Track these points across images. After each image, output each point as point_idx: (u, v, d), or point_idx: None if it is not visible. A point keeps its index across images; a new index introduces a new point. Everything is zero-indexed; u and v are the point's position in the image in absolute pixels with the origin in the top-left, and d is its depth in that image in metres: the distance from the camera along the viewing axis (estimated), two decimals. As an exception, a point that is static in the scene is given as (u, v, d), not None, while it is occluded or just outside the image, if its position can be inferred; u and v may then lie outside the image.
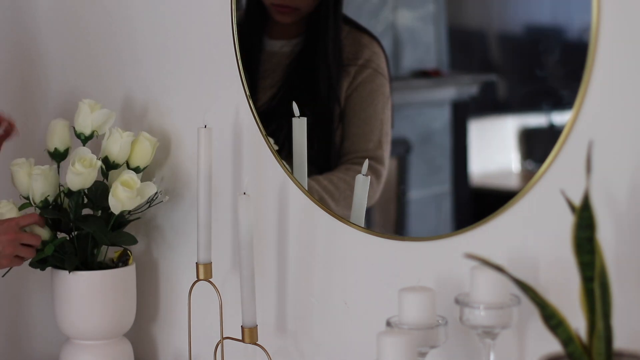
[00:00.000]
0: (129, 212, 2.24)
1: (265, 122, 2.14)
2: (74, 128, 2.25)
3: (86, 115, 2.23)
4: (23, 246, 2.13)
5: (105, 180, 2.25)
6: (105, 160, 2.22)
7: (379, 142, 2.05)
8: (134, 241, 2.23)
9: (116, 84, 2.42)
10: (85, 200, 2.23)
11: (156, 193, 2.26)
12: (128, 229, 2.27)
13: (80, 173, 2.15)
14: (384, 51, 2.07)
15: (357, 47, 2.08)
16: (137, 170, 2.24)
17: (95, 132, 2.24)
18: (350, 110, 2.09)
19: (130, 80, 2.40)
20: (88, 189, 2.20)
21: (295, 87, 2.14)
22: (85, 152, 2.19)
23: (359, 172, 2.03)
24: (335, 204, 2.07)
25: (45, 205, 2.22)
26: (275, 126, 2.13)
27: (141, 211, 2.27)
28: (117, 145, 2.20)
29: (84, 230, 2.21)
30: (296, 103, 2.06)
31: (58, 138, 2.26)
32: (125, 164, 2.24)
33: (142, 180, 2.25)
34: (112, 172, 2.24)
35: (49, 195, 2.22)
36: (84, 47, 2.49)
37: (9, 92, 2.53)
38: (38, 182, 2.20)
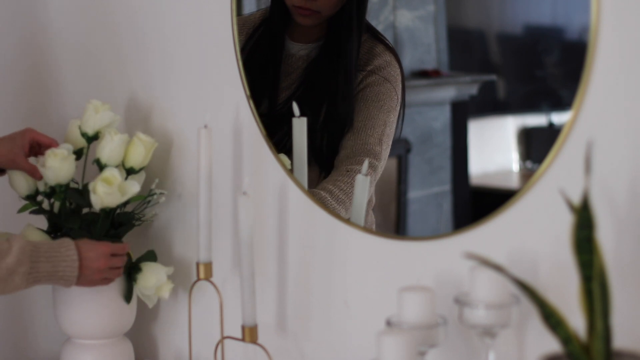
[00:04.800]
0: (135, 214, 2.25)
1: (279, 123, 2.14)
2: (79, 128, 2.26)
3: (90, 116, 2.23)
4: (111, 270, 2.12)
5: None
6: (98, 162, 2.22)
7: (379, 140, 2.05)
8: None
9: (119, 86, 2.42)
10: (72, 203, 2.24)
11: (153, 193, 2.26)
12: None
13: (50, 167, 2.16)
14: (398, 60, 2.07)
15: (370, 55, 2.08)
16: (131, 170, 2.24)
17: (99, 133, 2.24)
18: (355, 107, 2.08)
19: (133, 82, 2.41)
20: (71, 189, 2.20)
21: (312, 90, 2.14)
22: (63, 147, 2.20)
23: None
24: (345, 211, 2.06)
25: (51, 192, 2.22)
26: (288, 128, 2.12)
27: (140, 210, 2.28)
28: (107, 148, 2.21)
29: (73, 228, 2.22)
30: (311, 106, 2.06)
31: (72, 137, 2.26)
32: (121, 166, 2.24)
33: (144, 181, 2.26)
34: None
35: (60, 184, 2.22)
36: (90, 50, 2.50)
37: (17, 94, 2.53)
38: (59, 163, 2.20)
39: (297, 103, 2.06)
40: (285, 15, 2.15)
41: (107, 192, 2.13)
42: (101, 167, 2.22)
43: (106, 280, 2.14)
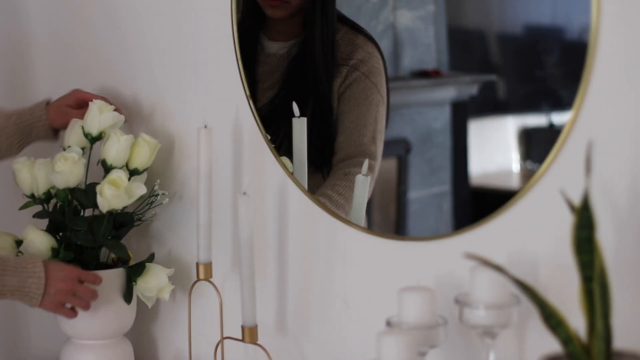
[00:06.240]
0: (136, 215, 2.25)
1: (267, 123, 2.14)
2: (82, 128, 2.25)
3: (94, 117, 2.23)
4: (76, 297, 2.11)
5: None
6: (104, 163, 2.22)
7: (373, 138, 2.05)
8: (125, 254, 2.23)
9: (118, 87, 2.42)
10: (75, 203, 2.24)
11: (155, 194, 2.26)
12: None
13: (60, 171, 2.15)
14: (379, 51, 2.07)
15: (352, 47, 2.08)
16: (135, 172, 2.23)
17: (103, 134, 2.24)
18: (344, 106, 2.09)
19: (132, 83, 2.40)
20: (77, 189, 2.20)
21: (294, 88, 2.14)
22: (71, 150, 2.20)
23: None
24: (346, 215, 2.06)
25: (47, 197, 2.22)
26: (275, 127, 2.13)
27: (143, 211, 2.27)
28: (114, 149, 2.20)
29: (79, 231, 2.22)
30: (296, 104, 2.06)
31: (74, 137, 2.26)
32: (125, 167, 2.24)
33: (145, 182, 2.25)
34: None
35: (52, 188, 2.22)
36: (88, 50, 2.50)
37: (17, 92, 2.53)
38: (42, 172, 2.20)
39: (285, 101, 2.07)
40: (258, 13, 2.15)
41: (114, 195, 2.13)
42: (107, 168, 2.21)
43: (71, 312, 2.12)
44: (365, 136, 2.06)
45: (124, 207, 2.21)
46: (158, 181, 2.29)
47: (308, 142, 2.08)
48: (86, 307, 2.13)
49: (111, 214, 2.18)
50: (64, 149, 2.26)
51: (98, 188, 2.15)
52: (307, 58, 2.13)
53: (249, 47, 2.17)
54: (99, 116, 2.23)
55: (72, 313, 2.13)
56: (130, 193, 2.16)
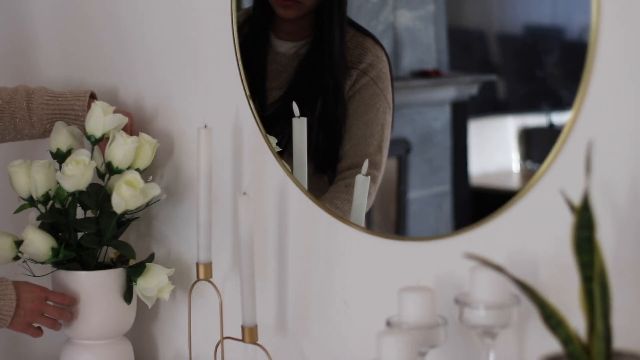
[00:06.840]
0: (128, 212, 2.25)
1: (272, 123, 2.14)
2: (84, 129, 2.25)
3: (98, 118, 2.21)
4: (45, 317, 2.15)
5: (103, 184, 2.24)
6: (109, 165, 2.21)
7: (379, 147, 2.05)
8: (132, 254, 2.23)
9: (122, 86, 2.42)
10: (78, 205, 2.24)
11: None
12: (129, 228, 2.27)
13: (72, 175, 2.15)
14: (386, 55, 2.07)
15: (361, 50, 2.08)
16: (137, 171, 2.23)
17: (105, 135, 2.24)
18: (352, 112, 2.09)
19: (132, 83, 2.40)
20: (82, 191, 2.20)
21: (303, 88, 2.14)
22: (81, 153, 2.19)
23: None
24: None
25: (46, 199, 2.22)
26: (280, 127, 2.12)
27: (140, 210, 2.27)
28: (121, 151, 2.19)
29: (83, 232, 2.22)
30: (304, 105, 2.06)
31: (62, 139, 2.25)
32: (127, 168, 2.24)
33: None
34: (114, 177, 2.21)
35: (50, 190, 2.22)
36: (89, 51, 2.50)
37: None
38: (40, 175, 2.20)
39: (291, 102, 2.07)
40: (268, 12, 2.15)
41: (132, 195, 2.13)
42: (113, 170, 2.20)
43: (38, 331, 2.16)
44: (371, 145, 2.06)
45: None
46: (151, 177, 2.27)
47: (314, 145, 2.08)
48: (54, 326, 2.17)
49: (118, 215, 2.18)
50: (51, 152, 2.25)
51: (115, 188, 2.15)
52: (320, 60, 2.12)
53: (259, 45, 2.17)
54: (103, 118, 2.21)
55: (39, 332, 2.17)
56: (145, 193, 2.17)
